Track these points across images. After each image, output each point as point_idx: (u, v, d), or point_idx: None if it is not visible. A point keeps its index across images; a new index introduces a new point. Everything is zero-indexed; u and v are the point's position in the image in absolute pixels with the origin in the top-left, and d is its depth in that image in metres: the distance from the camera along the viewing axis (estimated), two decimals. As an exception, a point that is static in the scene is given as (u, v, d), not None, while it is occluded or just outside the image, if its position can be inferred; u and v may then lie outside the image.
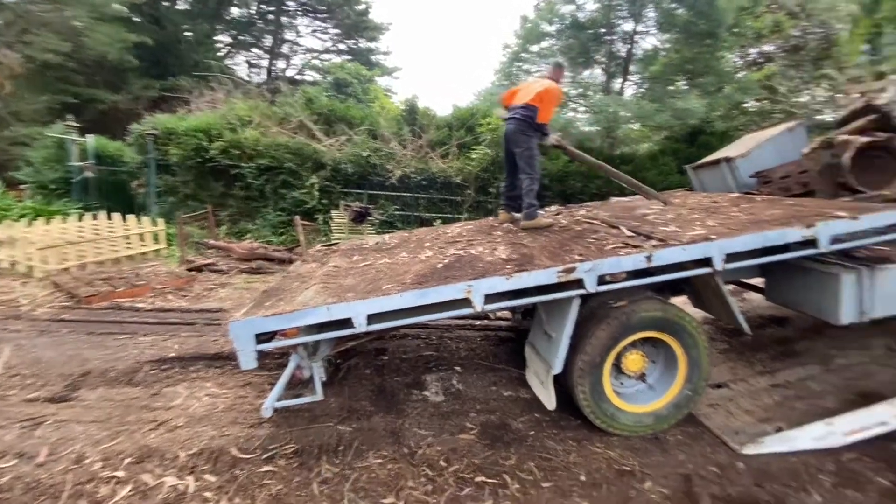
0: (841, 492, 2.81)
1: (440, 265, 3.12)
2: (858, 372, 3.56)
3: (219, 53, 22.33)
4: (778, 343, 4.19)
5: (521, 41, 12.63)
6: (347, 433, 3.09)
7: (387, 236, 4.79)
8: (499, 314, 4.92)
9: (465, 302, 2.71)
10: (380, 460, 2.82)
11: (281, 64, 25.29)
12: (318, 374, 3.01)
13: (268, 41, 24.49)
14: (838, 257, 3.44)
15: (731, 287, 4.96)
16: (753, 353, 4.12)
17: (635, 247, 2.91)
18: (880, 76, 5.19)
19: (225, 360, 4.24)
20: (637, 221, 3.75)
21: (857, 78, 5.34)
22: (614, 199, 5.30)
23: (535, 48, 12.85)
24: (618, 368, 3.20)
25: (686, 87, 12.03)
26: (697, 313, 3.88)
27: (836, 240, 2.96)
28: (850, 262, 3.30)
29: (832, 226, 2.91)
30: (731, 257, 2.88)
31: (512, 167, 4.42)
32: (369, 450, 2.91)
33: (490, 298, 2.75)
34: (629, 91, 13.68)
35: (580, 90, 13.03)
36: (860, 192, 3.91)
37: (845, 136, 4.17)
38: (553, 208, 5.27)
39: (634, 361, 3.16)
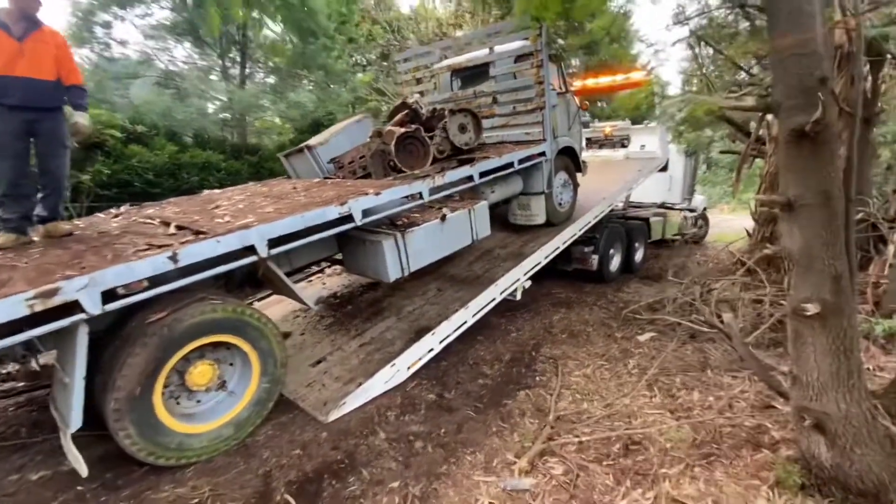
0: (402, 419, 3.37)
1: None
2: (418, 314, 4.47)
3: None
4: (370, 305, 4.82)
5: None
6: None
7: None
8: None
9: None
10: None
11: None
12: None
13: None
14: (388, 226, 4.16)
15: (337, 266, 5.45)
16: (352, 319, 4.58)
17: (162, 246, 2.47)
18: (419, 81, 6.65)
19: None
20: (201, 216, 3.36)
21: (406, 82, 6.59)
22: (206, 192, 4.76)
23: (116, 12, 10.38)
24: (186, 388, 2.77)
25: (306, 82, 12.61)
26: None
27: (367, 213, 3.45)
28: (392, 229, 4.01)
29: (362, 201, 3.36)
30: (276, 241, 2.88)
31: None
32: None
33: None
34: (255, 79, 13.23)
35: (197, 73, 11.57)
36: (403, 171, 4.83)
37: (390, 127, 5.07)
38: (124, 207, 4.24)
39: (203, 374, 2.79)
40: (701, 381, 3.81)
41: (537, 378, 4.11)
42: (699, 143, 7.67)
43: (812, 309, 1.97)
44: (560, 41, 6.48)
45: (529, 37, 5.28)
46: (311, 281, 5.77)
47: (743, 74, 7.49)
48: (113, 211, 4.14)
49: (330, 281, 5.66)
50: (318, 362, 3.89)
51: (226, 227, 2.79)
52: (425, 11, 15.48)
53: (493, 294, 4.64)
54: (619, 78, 8.63)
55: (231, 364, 3.01)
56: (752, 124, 8.41)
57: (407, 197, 3.87)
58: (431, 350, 3.96)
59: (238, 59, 12.39)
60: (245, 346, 2.89)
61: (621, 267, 7.82)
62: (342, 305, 4.93)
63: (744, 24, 7.23)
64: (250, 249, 2.75)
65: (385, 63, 15.87)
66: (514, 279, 4.96)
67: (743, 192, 12.15)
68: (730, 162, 10.50)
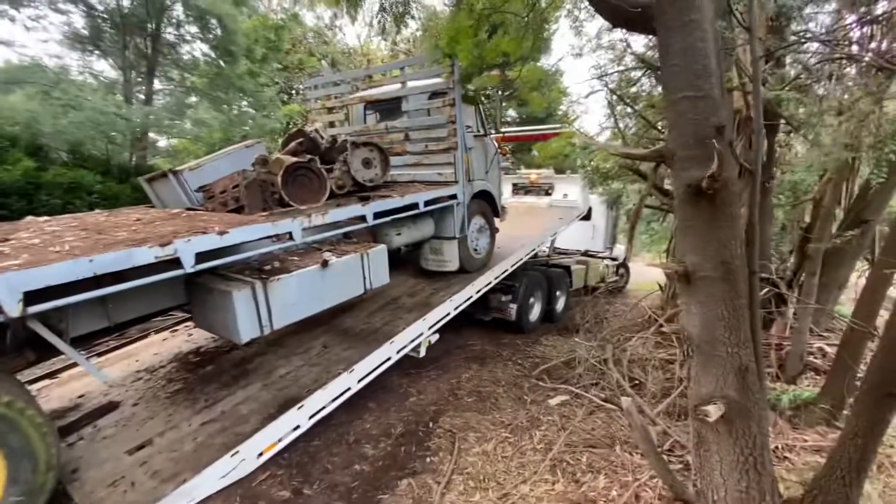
0: (232, 533, 2.56)
1: None
2: (290, 379, 3.69)
3: None
4: (236, 366, 3.96)
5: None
6: None
7: None
8: None
9: None
10: None
11: None
12: None
13: None
14: (252, 273, 3.43)
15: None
16: (206, 384, 3.69)
17: None
18: (329, 110, 6.13)
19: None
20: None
21: (316, 110, 6.05)
22: (28, 218, 3.77)
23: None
24: None
25: (226, 106, 11.71)
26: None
27: (206, 256, 2.73)
28: (255, 276, 3.29)
29: (195, 242, 2.64)
30: (39, 295, 2.07)
31: None
32: None
33: None
34: (170, 97, 12.10)
35: (90, 85, 10.30)
36: (291, 205, 4.17)
37: (280, 156, 4.44)
38: None
39: None
40: (609, 461, 3.35)
41: (428, 459, 3.45)
42: (609, 194, 7.75)
43: (714, 413, 1.54)
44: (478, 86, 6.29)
45: (443, 73, 4.98)
46: (175, 331, 4.80)
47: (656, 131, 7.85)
48: None
49: (199, 332, 4.72)
50: (140, 447, 2.97)
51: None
52: (361, 49, 15.35)
53: (387, 353, 4.00)
54: (541, 127, 8.73)
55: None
56: (667, 180, 8.80)
57: (273, 237, 3.20)
58: (297, 428, 3.19)
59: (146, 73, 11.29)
60: (-22, 446, 1.99)
61: (542, 316, 7.52)
62: (201, 365, 4.03)
63: (659, 88, 7.62)
64: (-8, 305, 1.93)
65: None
66: (417, 334, 4.38)
67: (657, 243, 12.68)
68: (648, 214, 10.90)
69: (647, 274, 14.06)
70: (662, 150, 1.84)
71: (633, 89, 8.15)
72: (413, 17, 5.00)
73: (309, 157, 4.52)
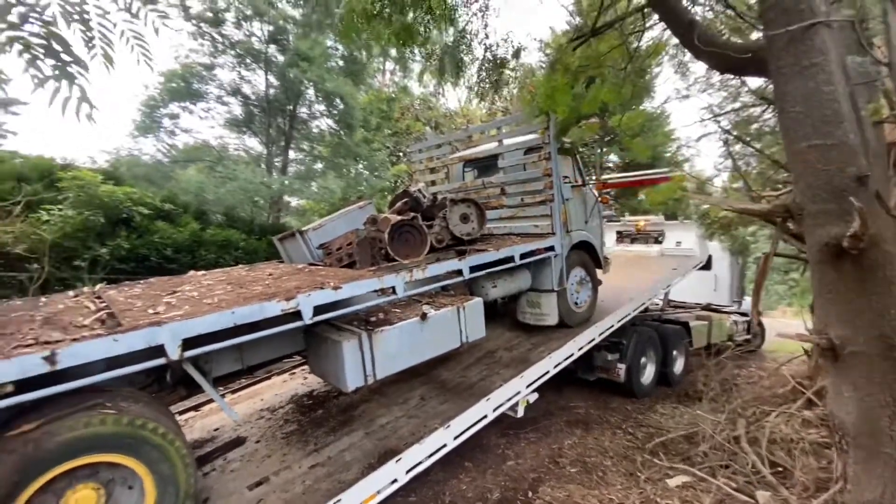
0: (330, 584, 2.61)
1: None
2: (390, 430, 3.79)
3: None
4: (342, 412, 4.20)
5: (164, 96, 11.27)
6: None
7: None
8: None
9: None
10: None
11: None
12: None
13: None
14: (359, 324, 3.70)
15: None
16: (316, 428, 3.96)
17: (47, 343, 2.13)
18: (432, 170, 6.61)
19: None
20: (146, 303, 3.07)
21: (420, 171, 6.57)
22: (190, 273, 4.59)
23: (184, 105, 11.72)
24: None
25: (345, 171, 13.29)
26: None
27: (323, 309, 3.03)
28: (361, 327, 3.54)
29: (314, 297, 2.95)
30: (194, 342, 2.48)
31: None
32: None
33: None
34: (301, 165, 14.17)
35: (244, 160, 12.54)
36: (395, 260, 4.49)
37: (386, 215, 4.86)
38: (99, 286, 4.09)
39: (82, 501, 2.27)
40: (747, 567, 2.78)
41: (526, 533, 3.22)
42: (732, 242, 6.92)
43: (888, 529, 1.22)
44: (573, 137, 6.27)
45: (538, 129, 5.11)
46: (293, 374, 5.29)
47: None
48: (86, 289, 3.99)
49: (313, 376, 5.14)
50: (259, 484, 3.25)
51: (142, 321, 2.44)
52: (462, 110, 16.46)
53: (483, 411, 3.93)
54: (647, 172, 8.30)
55: (130, 487, 2.48)
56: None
57: (379, 291, 3.44)
58: (395, 481, 3.23)
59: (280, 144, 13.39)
60: (139, 469, 2.37)
61: (656, 379, 6.78)
62: (314, 408, 4.35)
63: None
64: (160, 350, 2.35)
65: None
66: (514, 392, 4.24)
67: (798, 297, 10.84)
68: (782, 263, 9.49)
69: (789, 331, 11.99)
70: (788, 204, 1.64)
71: (755, 126, 7.44)
72: (507, 84, 5.27)
73: (412, 214, 4.87)
